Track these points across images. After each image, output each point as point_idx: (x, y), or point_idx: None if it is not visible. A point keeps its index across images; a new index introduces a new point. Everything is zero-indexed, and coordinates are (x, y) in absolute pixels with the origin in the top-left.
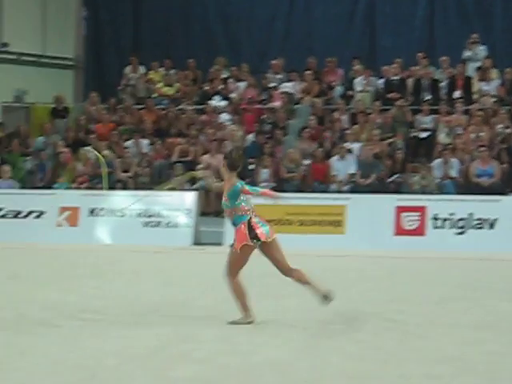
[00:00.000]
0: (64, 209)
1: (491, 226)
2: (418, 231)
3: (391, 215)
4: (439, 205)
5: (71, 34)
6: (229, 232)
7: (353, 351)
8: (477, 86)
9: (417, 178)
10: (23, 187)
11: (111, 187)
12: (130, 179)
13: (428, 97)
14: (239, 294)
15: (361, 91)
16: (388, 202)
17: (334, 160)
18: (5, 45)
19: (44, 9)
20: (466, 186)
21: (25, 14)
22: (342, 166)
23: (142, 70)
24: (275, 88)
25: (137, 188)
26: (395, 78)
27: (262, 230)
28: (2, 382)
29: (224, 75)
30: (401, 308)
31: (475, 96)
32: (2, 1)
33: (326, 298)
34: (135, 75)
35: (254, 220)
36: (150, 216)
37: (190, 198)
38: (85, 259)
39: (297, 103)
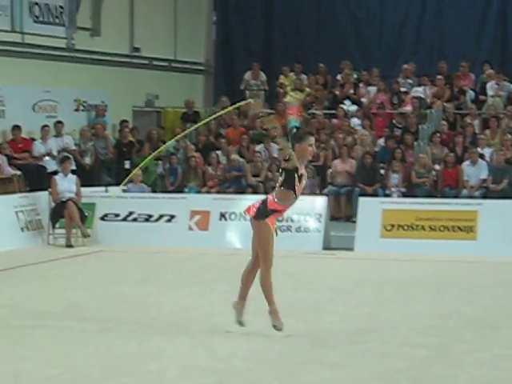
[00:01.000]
0: (194, 213)
1: None
2: None
3: None
4: None
5: (202, 38)
6: (359, 237)
7: (486, 358)
8: None
9: None
10: (154, 191)
11: (241, 192)
12: (261, 184)
13: None
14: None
15: (493, 96)
16: None
17: (466, 165)
18: (136, 50)
19: (175, 14)
20: None
21: (156, 19)
22: (474, 172)
23: (263, 76)
24: (406, 93)
25: (267, 192)
26: None
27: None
28: (134, 383)
29: (354, 80)
30: None
31: None
32: (133, 6)
33: (240, 323)
34: (256, 82)
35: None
36: (280, 220)
37: (320, 203)
38: (215, 263)
39: (428, 108)
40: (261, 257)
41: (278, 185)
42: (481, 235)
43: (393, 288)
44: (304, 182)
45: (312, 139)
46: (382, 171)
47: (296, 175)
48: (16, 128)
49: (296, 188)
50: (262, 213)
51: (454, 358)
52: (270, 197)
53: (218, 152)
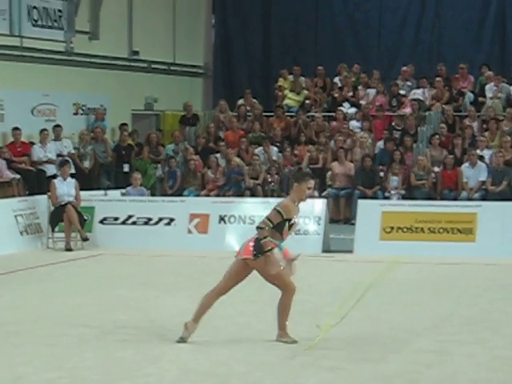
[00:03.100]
0: (194, 216)
1: None
2: None
3: None
4: None
5: (200, 41)
6: (359, 239)
7: (484, 360)
8: None
9: None
10: (153, 194)
11: (240, 195)
12: (259, 186)
13: None
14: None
15: (492, 98)
16: None
17: (465, 167)
18: (135, 53)
19: (173, 17)
20: None
21: (154, 22)
22: (473, 173)
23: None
24: (405, 95)
25: (265, 195)
26: None
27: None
28: None
29: (353, 82)
30: None
31: None
32: (132, 10)
33: (181, 339)
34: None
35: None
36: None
37: (319, 206)
38: (214, 266)
39: (427, 110)
40: (282, 287)
41: (269, 222)
42: (480, 237)
43: (392, 290)
44: (295, 228)
45: (312, 182)
46: (382, 173)
47: (287, 223)
48: (16, 129)
49: (284, 233)
50: (258, 249)
51: (452, 360)
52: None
53: (218, 155)
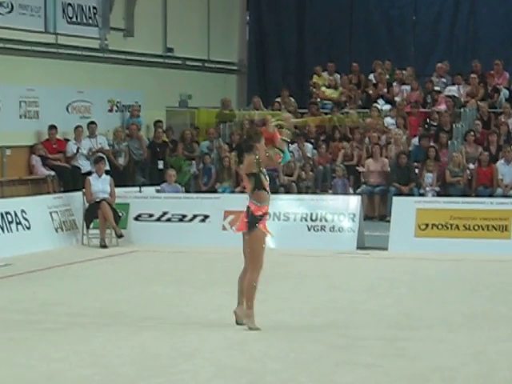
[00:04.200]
0: (228, 212)
1: None
2: None
3: None
4: None
5: (235, 38)
6: (394, 236)
7: None
8: None
9: None
10: (188, 191)
11: (274, 191)
12: (293, 183)
13: None
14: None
15: None
16: None
17: (500, 164)
18: (170, 50)
19: (208, 14)
20: None
21: (189, 19)
22: (508, 170)
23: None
24: (440, 91)
25: (300, 192)
26: None
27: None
28: (167, 383)
29: (387, 79)
30: None
31: None
32: (167, 7)
33: (239, 324)
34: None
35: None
36: (314, 220)
37: (354, 203)
38: None
39: (462, 106)
40: (252, 260)
41: (248, 191)
42: None
43: (427, 287)
44: (267, 177)
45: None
46: (417, 170)
47: (262, 175)
48: (52, 128)
49: (265, 186)
50: (252, 222)
51: (489, 358)
52: (250, 206)
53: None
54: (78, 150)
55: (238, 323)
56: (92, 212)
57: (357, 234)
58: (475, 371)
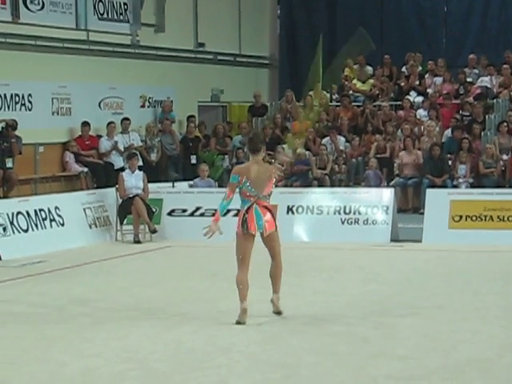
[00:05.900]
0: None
1: None
2: None
3: None
4: None
5: (266, 32)
6: (427, 228)
7: None
8: None
9: None
10: (221, 186)
11: (307, 185)
12: (326, 176)
13: None
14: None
15: None
16: None
17: None
18: (201, 45)
19: (239, 8)
20: None
21: (220, 13)
22: None
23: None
24: (472, 83)
25: (333, 185)
26: None
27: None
28: (203, 378)
29: (419, 70)
30: None
31: None
32: (197, 2)
33: (277, 313)
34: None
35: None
36: (347, 213)
37: (387, 195)
38: (284, 257)
39: (494, 97)
40: (278, 254)
41: (267, 193)
42: None
43: (461, 279)
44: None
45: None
46: (450, 162)
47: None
48: (85, 124)
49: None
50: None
51: None
52: (268, 206)
53: (284, 145)
54: (115, 146)
55: (274, 312)
56: (125, 208)
57: (390, 226)
58: (510, 363)
